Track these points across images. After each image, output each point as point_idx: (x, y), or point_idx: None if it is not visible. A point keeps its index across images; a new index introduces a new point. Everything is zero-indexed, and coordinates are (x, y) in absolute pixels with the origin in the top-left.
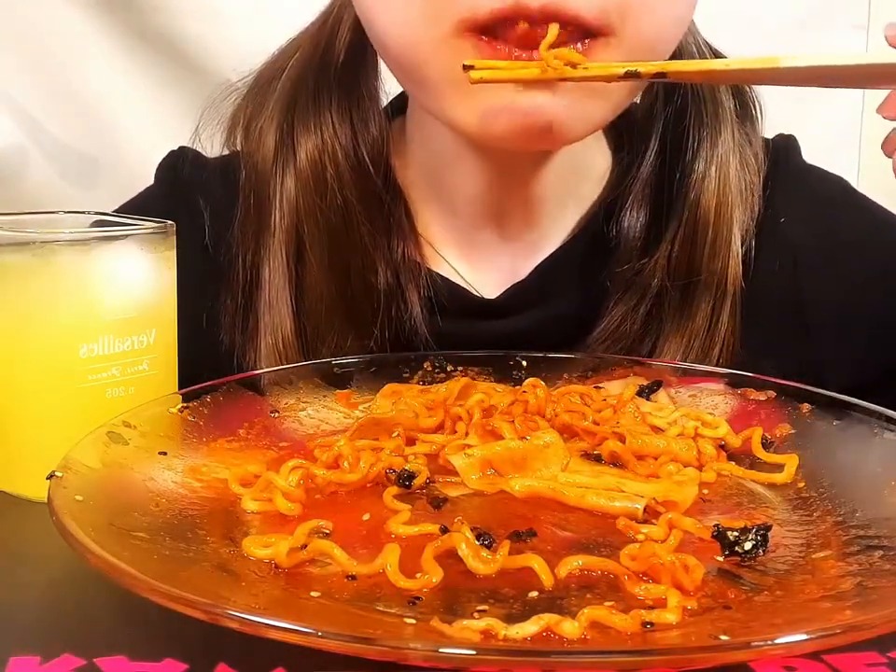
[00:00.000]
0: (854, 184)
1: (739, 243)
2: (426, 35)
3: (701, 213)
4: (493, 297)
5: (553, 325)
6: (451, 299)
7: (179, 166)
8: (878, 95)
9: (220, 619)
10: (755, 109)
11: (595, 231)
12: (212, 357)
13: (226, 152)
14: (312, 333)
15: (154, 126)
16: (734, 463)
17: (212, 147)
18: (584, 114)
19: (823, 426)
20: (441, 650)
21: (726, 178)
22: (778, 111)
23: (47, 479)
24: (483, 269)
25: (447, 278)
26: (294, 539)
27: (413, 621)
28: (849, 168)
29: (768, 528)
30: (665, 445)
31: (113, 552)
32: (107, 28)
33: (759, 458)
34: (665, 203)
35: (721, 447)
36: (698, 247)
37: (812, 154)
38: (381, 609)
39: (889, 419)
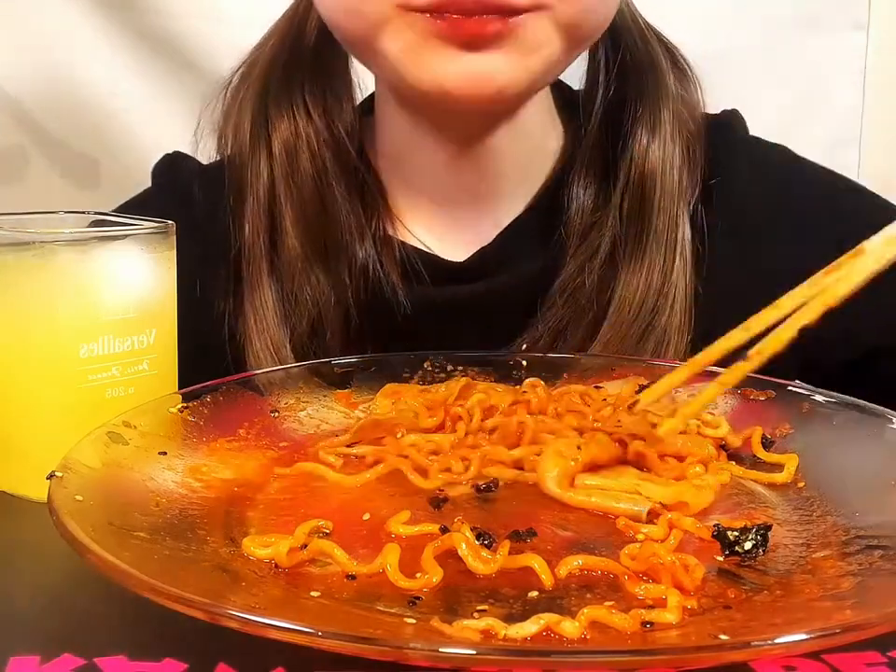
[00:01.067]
0: None
1: (686, 203)
2: (370, 17)
3: (648, 171)
4: (461, 260)
5: (520, 285)
6: (423, 265)
7: (174, 169)
8: (878, 95)
9: (220, 619)
10: (692, 79)
11: (551, 197)
12: (209, 348)
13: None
14: (291, 295)
15: (154, 126)
16: (733, 463)
17: (210, 148)
18: (522, 71)
19: (823, 426)
20: (441, 650)
21: (669, 142)
22: (778, 111)
23: (47, 479)
24: (450, 241)
25: (418, 248)
26: (294, 539)
27: (413, 621)
28: (849, 168)
29: (768, 528)
30: (683, 444)
31: (113, 552)
32: (108, 28)
33: (759, 458)
34: (611, 166)
35: (722, 447)
36: (647, 202)
37: (812, 154)
38: (381, 609)
39: (889, 419)
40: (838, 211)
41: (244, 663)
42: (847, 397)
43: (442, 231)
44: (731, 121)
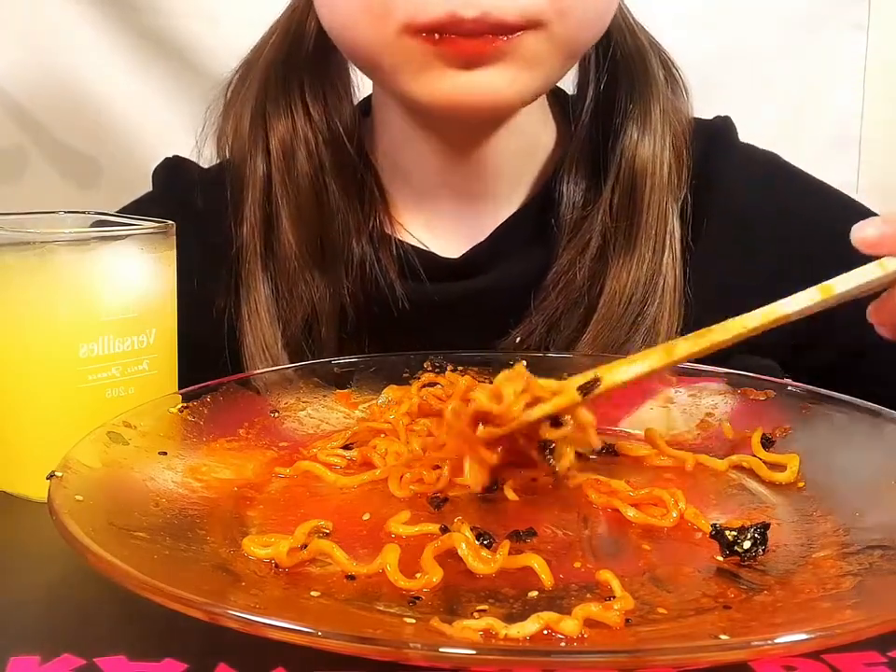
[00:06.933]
0: (854, 184)
1: (675, 200)
2: (373, 36)
3: (638, 167)
4: (456, 257)
5: (514, 280)
6: (419, 262)
7: (173, 173)
8: (878, 95)
9: (220, 619)
10: (679, 81)
11: (544, 194)
12: (208, 354)
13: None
14: (286, 292)
15: (154, 126)
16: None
17: (212, 151)
18: (521, 86)
19: (823, 425)
20: (441, 650)
21: (659, 139)
22: (778, 112)
23: (47, 479)
24: (447, 238)
25: (415, 245)
26: (294, 539)
27: (413, 621)
28: (849, 168)
29: (766, 527)
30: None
31: (113, 552)
32: (108, 28)
33: (759, 458)
34: (601, 162)
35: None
36: (636, 197)
37: (812, 154)
38: (381, 608)
39: (889, 419)
40: (823, 214)
41: (244, 663)
42: (847, 396)
43: (439, 228)
44: (722, 125)
